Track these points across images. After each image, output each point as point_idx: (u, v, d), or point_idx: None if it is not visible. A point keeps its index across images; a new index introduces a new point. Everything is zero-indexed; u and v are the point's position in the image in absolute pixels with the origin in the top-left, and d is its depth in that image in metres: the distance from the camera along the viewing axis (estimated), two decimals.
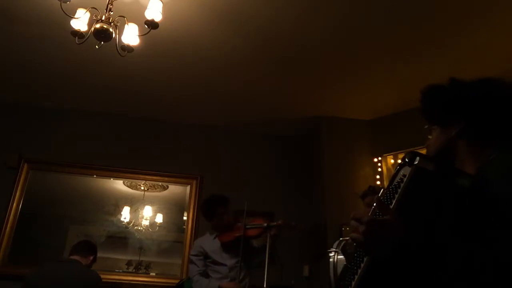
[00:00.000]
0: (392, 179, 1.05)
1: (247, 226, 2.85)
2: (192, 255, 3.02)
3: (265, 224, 2.82)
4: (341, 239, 2.85)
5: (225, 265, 2.93)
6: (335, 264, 2.53)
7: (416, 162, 0.98)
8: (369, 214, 0.99)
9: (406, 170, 0.99)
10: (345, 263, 1.10)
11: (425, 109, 1.18)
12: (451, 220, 0.89)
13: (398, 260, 0.87)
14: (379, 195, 1.04)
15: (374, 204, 0.98)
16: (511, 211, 0.84)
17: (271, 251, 2.86)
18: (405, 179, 0.98)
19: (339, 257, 2.56)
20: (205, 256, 2.98)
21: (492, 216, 0.86)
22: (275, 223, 2.87)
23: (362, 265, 0.96)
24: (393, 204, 0.97)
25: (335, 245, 2.73)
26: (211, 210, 3.09)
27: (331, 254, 2.64)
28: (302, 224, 3.23)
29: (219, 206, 3.07)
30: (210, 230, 3.13)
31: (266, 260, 2.60)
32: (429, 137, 1.18)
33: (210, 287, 2.85)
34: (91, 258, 2.97)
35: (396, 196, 0.97)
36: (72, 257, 2.89)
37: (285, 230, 2.97)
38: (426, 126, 1.19)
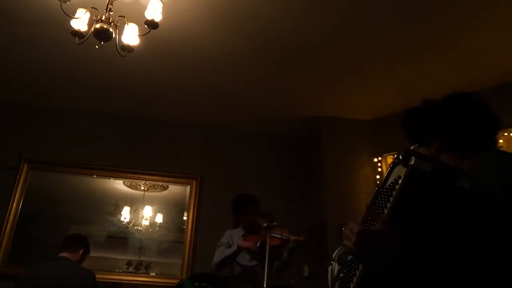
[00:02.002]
0: (385, 179, 1.01)
1: (272, 235, 2.85)
2: (221, 241, 3.12)
3: (265, 224, 2.81)
4: (340, 247, 2.83)
5: (244, 265, 2.99)
6: (332, 274, 2.51)
7: (411, 162, 0.91)
8: (360, 222, 0.97)
9: (401, 171, 0.93)
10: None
11: (405, 132, 1.27)
12: (449, 226, 0.86)
13: (394, 268, 0.85)
14: (371, 199, 1.02)
15: (366, 211, 0.96)
16: (500, 213, 0.84)
17: (286, 266, 2.89)
18: (399, 181, 0.92)
19: (336, 268, 2.54)
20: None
21: (485, 218, 0.85)
22: (274, 224, 2.85)
23: (357, 272, 0.94)
24: (386, 210, 0.92)
25: (335, 253, 2.71)
26: (237, 208, 3.18)
27: (332, 262, 2.62)
28: (318, 244, 3.23)
29: (244, 206, 3.15)
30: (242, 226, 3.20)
31: (266, 262, 2.60)
32: None
33: (226, 252, 2.97)
34: (81, 251, 2.87)
35: (391, 199, 0.92)
36: (61, 254, 2.81)
37: (304, 247, 2.99)
38: (411, 147, 1.24)
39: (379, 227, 0.88)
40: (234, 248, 2.98)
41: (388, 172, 1.02)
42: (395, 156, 1.00)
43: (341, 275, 1.02)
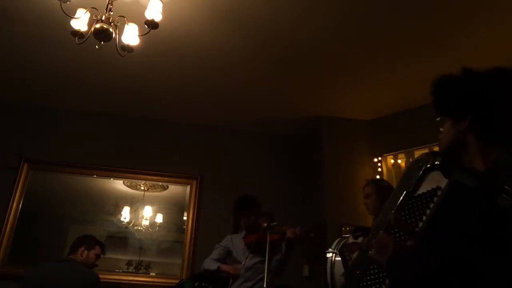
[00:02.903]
0: (416, 184, 0.92)
1: (271, 231, 2.85)
2: (219, 244, 3.15)
3: (265, 224, 2.82)
4: (341, 237, 2.84)
5: (242, 264, 2.98)
6: (332, 264, 2.51)
7: (455, 176, 0.84)
8: (385, 229, 0.91)
9: (438, 179, 0.87)
10: (342, 265, 1.04)
11: (436, 100, 1.12)
12: (484, 244, 0.79)
13: (424, 284, 0.81)
14: (398, 205, 0.94)
15: (393, 221, 0.87)
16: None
17: (285, 259, 2.90)
18: (438, 193, 0.85)
19: (337, 258, 2.53)
20: (229, 251, 3.10)
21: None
22: (274, 224, 2.85)
23: (383, 286, 0.91)
24: (421, 223, 0.86)
25: (334, 244, 2.72)
26: (237, 209, 3.19)
27: (329, 255, 2.62)
28: (315, 236, 3.24)
29: (245, 207, 3.15)
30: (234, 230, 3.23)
31: (266, 262, 2.60)
32: (441, 129, 1.12)
33: (210, 266, 3.00)
34: (82, 250, 2.87)
35: (427, 212, 0.86)
36: (69, 256, 2.88)
37: (301, 240, 2.99)
38: (438, 118, 1.12)
39: (414, 243, 0.83)
40: (215, 267, 2.99)
41: (420, 176, 0.93)
42: (429, 158, 0.92)
43: (363, 284, 0.97)
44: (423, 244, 0.82)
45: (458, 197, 0.84)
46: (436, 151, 0.95)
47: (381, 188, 2.77)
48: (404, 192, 0.95)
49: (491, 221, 0.80)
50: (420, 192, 0.92)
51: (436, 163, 0.91)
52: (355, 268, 1.06)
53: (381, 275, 0.94)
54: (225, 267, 2.97)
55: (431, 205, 0.87)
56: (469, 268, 0.79)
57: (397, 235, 0.91)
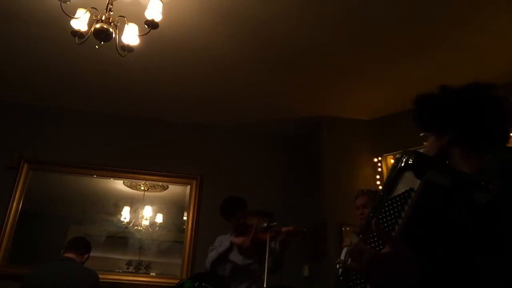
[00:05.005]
0: (392, 185, 0.91)
1: (259, 230, 2.86)
2: (213, 246, 3.17)
3: (265, 224, 2.82)
4: (348, 247, 2.84)
5: (238, 263, 2.99)
6: None
7: (427, 176, 0.82)
8: (362, 234, 0.90)
9: (412, 180, 0.84)
10: None
11: (416, 118, 1.17)
12: (464, 245, 0.79)
13: None
14: (375, 208, 0.92)
15: (374, 225, 0.85)
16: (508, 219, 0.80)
17: (279, 259, 2.90)
18: (412, 195, 0.83)
19: None
20: None
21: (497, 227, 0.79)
22: (274, 224, 2.86)
23: None
24: (398, 227, 0.84)
25: (343, 254, 2.73)
26: (226, 211, 3.20)
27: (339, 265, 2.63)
28: (308, 231, 3.26)
29: (233, 208, 3.16)
30: (231, 231, 3.21)
31: (266, 261, 2.61)
32: (424, 143, 1.17)
33: (222, 247, 3.02)
34: (86, 256, 2.96)
35: (402, 215, 0.83)
36: (67, 254, 2.84)
37: (295, 237, 3.00)
38: (421, 134, 1.17)
39: (391, 250, 0.81)
40: (227, 244, 3.01)
41: (394, 177, 0.91)
42: (403, 158, 0.91)
43: None
44: (401, 250, 0.80)
45: (431, 198, 0.83)
46: (411, 150, 0.95)
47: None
48: (381, 195, 0.93)
49: (470, 220, 0.79)
50: (395, 194, 0.88)
51: (409, 162, 0.89)
52: (340, 275, 1.04)
53: (362, 280, 0.91)
54: (237, 240, 2.99)
55: (406, 208, 0.84)
56: (451, 272, 0.78)
57: (375, 239, 0.87)
